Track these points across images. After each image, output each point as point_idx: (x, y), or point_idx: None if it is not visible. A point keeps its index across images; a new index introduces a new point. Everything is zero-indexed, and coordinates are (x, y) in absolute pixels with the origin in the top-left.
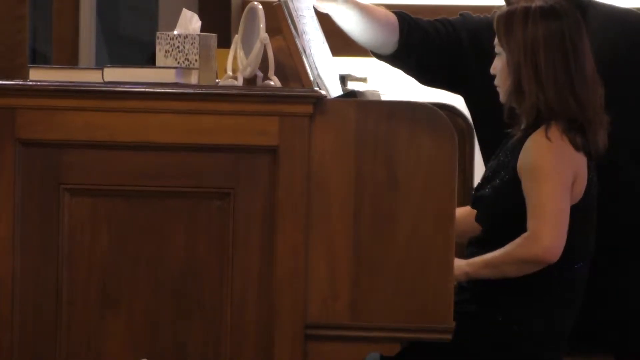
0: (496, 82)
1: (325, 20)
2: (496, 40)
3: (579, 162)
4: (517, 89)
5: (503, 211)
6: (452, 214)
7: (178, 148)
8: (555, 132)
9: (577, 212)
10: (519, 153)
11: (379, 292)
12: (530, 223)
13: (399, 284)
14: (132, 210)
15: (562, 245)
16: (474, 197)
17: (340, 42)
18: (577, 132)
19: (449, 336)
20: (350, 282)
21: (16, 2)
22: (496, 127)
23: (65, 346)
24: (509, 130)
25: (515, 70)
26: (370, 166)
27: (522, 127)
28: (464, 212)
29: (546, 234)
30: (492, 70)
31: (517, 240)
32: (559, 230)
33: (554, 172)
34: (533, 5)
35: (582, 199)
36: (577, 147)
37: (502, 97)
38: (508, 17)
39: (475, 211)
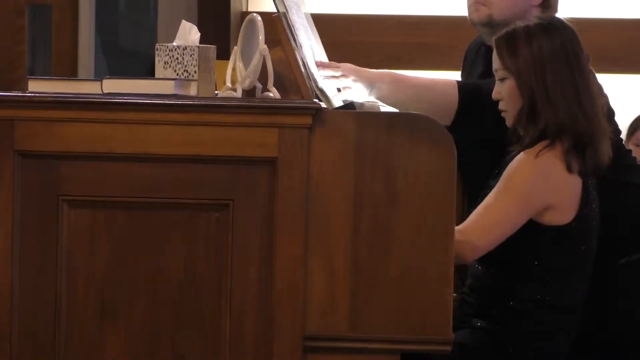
0: (502, 106)
1: (324, 32)
2: (498, 65)
3: (564, 189)
4: (531, 111)
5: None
6: (451, 225)
7: (177, 159)
8: (550, 155)
9: (567, 233)
10: None
11: (378, 303)
12: (468, 218)
13: (397, 296)
14: (131, 222)
15: (483, 250)
16: None
17: (338, 56)
18: (579, 153)
19: (448, 348)
20: (349, 293)
21: (15, 14)
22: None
23: (64, 358)
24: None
25: (529, 93)
26: (369, 177)
27: (525, 143)
28: None
29: (474, 232)
30: (496, 96)
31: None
32: (490, 237)
33: (521, 189)
34: (531, 23)
35: (573, 221)
36: (570, 170)
37: (511, 121)
38: (509, 37)
39: None
